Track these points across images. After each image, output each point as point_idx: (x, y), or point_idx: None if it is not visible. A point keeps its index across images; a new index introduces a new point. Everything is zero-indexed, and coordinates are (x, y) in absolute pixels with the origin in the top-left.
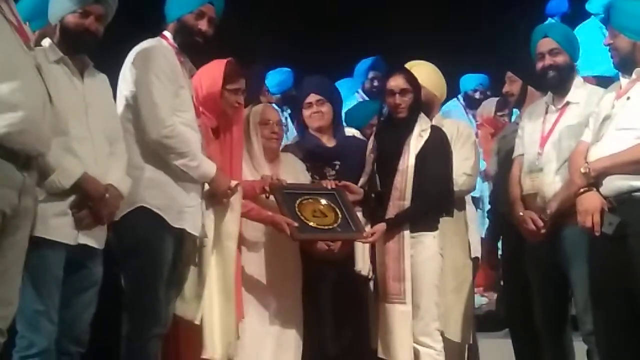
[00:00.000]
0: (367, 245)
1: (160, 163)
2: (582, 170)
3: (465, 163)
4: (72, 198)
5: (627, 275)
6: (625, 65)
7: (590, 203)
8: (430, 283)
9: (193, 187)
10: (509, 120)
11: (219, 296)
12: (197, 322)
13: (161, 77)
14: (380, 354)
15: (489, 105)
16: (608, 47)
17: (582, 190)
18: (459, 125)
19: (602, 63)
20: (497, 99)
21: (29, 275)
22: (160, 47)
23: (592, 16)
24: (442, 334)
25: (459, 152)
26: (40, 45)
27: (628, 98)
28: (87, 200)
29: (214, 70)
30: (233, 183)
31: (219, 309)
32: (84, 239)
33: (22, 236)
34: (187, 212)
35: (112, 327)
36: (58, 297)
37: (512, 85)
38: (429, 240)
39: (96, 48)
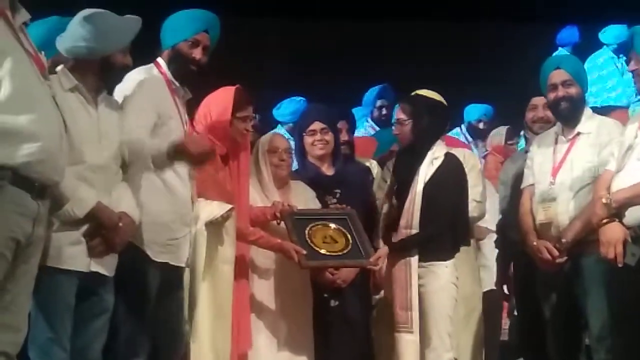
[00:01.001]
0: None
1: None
2: (604, 201)
3: (474, 190)
4: (85, 226)
5: None
6: None
7: (612, 234)
8: (442, 313)
9: (178, 219)
10: (517, 149)
11: (212, 322)
12: (191, 343)
13: (145, 109)
14: None
15: (500, 134)
16: (632, 73)
17: (604, 221)
18: (464, 154)
19: (614, 92)
20: (507, 127)
21: (41, 303)
22: (149, 77)
23: (605, 46)
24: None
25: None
26: (55, 73)
27: None
28: (101, 228)
29: (224, 99)
30: (225, 208)
31: (210, 335)
32: (96, 266)
33: (34, 264)
34: (172, 245)
35: None
36: (70, 325)
37: (549, 111)
38: (440, 270)
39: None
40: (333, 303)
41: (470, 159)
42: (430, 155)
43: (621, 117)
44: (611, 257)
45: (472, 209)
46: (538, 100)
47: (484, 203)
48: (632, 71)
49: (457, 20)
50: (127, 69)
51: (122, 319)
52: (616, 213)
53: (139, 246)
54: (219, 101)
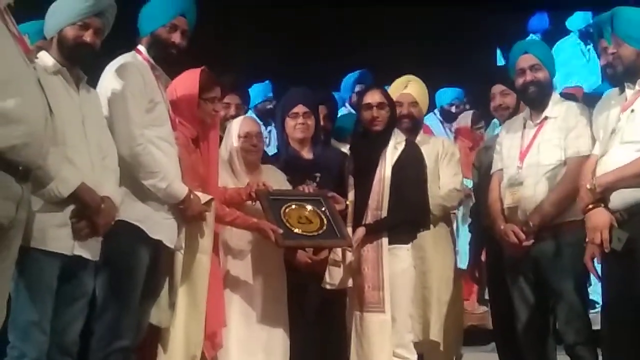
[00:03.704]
0: (344, 256)
1: (133, 180)
2: (588, 186)
3: (455, 179)
4: (70, 208)
5: (634, 288)
6: (628, 74)
7: (598, 220)
8: (405, 295)
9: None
10: (485, 133)
11: (186, 309)
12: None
13: (136, 95)
14: None
15: (465, 119)
16: (610, 57)
17: (590, 206)
18: (443, 142)
19: (580, 77)
20: (473, 112)
21: (23, 285)
22: (135, 63)
23: (572, 33)
24: (438, 345)
25: (447, 168)
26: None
27: (632, 110)
28: (85, 210)
29: (189, 80)
30: (205, 198)
31: (184, 322)
32: (80, 250)
33: (15, 248)
34: (163, 225)
35: None
36: (51, 308)
37: (507, 98)
38: (402, 253)
39: (93, 61)
40: (310, 287)
41: (450, 147)
42: (393, 140)
43: (577, 94)
44: (597, 243)
45: (453, 198)
46: (496, 89)
47: (463, 192)
48: (611, 53)
49: (432, 5)
50: (85, 46)
51: (109, 299)
52: (601, 198)
53: (133, 223)
54: (185, 83)
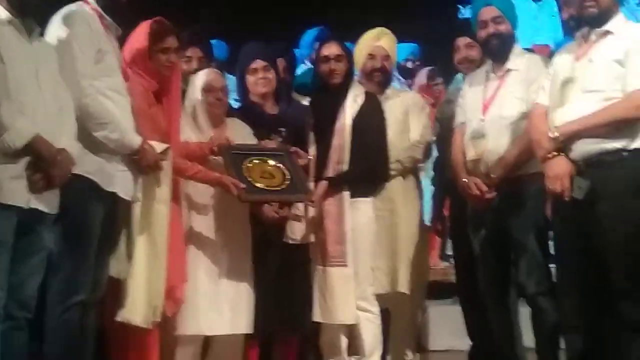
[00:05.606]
0: (306, 211)
1: (84, 132)
2: (551, 135)
3: (425, 131)
4: (25, 160)
5: (595, 237)
6: (598, 19)
7: (559, 168)
8: (367, 248)
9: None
10: (444, 89)
11: (146, 260)
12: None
13: (82, 44)
14: (317, 318)
15: (421, 77)
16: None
17: (550, 155)
18: (413, 96)
19: (534, 34)
20: (430, 68)
21: None
22: (82, 12)
23: None
24: (405, 297)
25: (417, 121)
26: None
27: (590, 60)
28: (40, 162)
29: (140, 31)
30: (161, 147)
31: (145, 273)
32: (36, 203)
33: None
34: (117, 176)
35: None
36: (8, 262)
37: (472, 50)
38: (364, 206)
39: (44, 11)
40: (275, 241)
41: (420, 100)
42: (352, 93)
43: (543, 52)
44: (558, 191)
45: (423, 149)
46: (460, 41)
47: (432, 144)
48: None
49: None
50: None
51: (65, 254)
52: (562, 147)
53: (86, 176)
54: (137, 34)
